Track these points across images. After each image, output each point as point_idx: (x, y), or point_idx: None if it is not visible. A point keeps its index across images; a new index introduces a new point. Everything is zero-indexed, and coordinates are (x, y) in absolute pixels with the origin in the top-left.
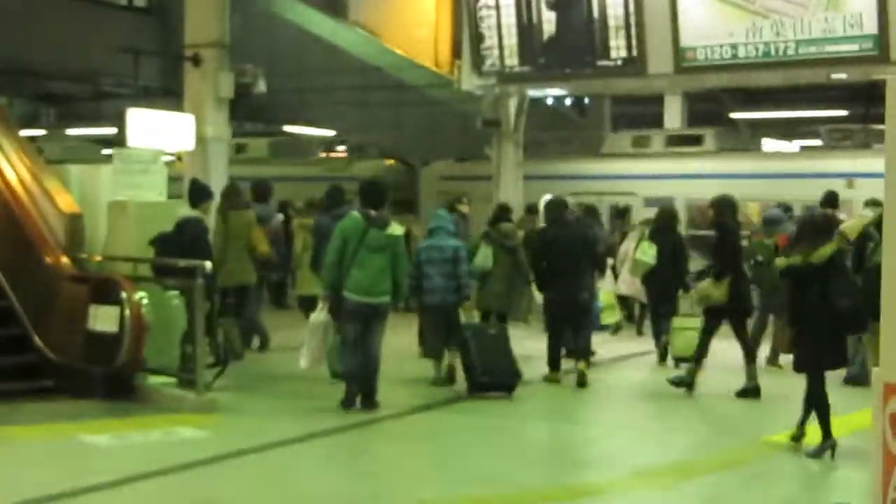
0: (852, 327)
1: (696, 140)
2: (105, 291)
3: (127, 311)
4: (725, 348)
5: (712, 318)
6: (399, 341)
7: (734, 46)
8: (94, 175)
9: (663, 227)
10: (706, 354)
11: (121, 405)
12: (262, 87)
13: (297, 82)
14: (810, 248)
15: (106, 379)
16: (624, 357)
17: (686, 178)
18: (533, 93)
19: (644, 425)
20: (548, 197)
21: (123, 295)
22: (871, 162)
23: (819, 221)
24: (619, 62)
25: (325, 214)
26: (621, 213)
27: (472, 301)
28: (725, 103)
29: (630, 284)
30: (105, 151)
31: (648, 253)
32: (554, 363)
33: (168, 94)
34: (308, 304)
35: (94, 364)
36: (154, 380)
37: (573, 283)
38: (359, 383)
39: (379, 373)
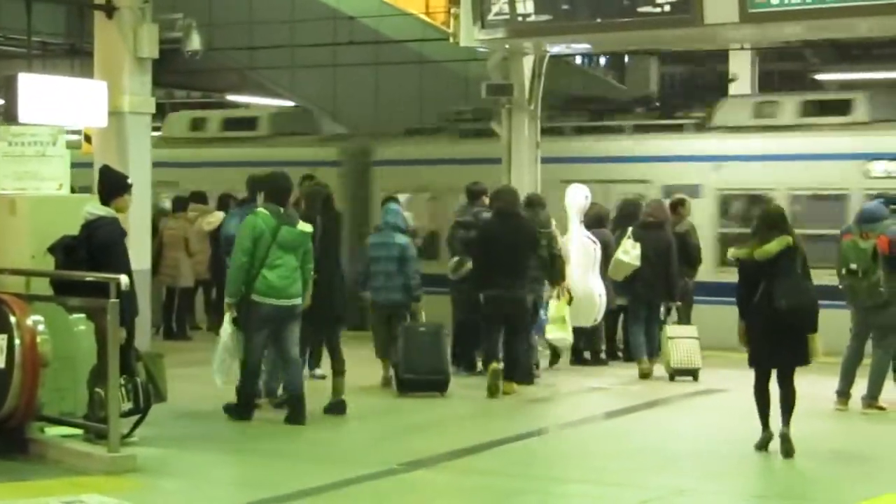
0: (791, 329)
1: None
2: None
3: (17, 341)
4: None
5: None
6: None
7: None
8: None
9: (650, 222)
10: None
11: (8, 465)
12: (196, 43)
13: (244, 38)
14: (760, 242)
15: None
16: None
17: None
18: (554, 49)
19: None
20: (575, 187)
21: (12, 319)
22: None
23: (771, 214)
24: (668, 7)
25: (243, 208)
26: (673, 207)
27: None
28: (809, 61)
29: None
30: None
31: (630, 253)
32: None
33: (73, 54)
34: None
35: None
36: (53, 431)
37: (511, 281)
38: (289, 395)
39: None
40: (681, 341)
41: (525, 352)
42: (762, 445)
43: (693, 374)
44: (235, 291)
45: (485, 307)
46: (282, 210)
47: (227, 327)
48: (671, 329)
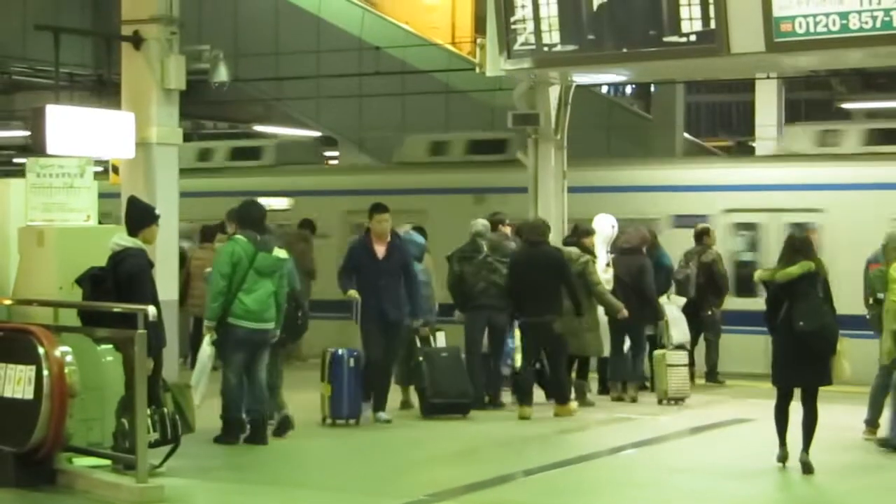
0: (811, 350)
1: None
2: (15, 346)
3: (45, 372)
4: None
5: None
6: None
7: (844, 15)
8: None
9: (625, 248)
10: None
11: (36, 495)
12: (223, 74)
13: (270, 68)
14: (784, 265)
15: (17, 461)
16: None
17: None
18: (580, 79)
19: None
20: (602, 217)
21: (40, 350)
22: None
23: (797, 240)
24: (694, 38)
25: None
26: (699, 236)
27: None
28: (836, 90)
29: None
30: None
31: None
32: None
33: (101, 86)
34: None
35: (0, 442)
36: (81, 462)
37: (539, 307)
38: (252, 417)
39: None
40: (676, 370)
41: (565, 374)
42: (781, 461)
43: (681, 401)
44: (214, 315)
45: (521, 335)
46: (259, 237)
47: (206, 349)
48: (671, 356)
